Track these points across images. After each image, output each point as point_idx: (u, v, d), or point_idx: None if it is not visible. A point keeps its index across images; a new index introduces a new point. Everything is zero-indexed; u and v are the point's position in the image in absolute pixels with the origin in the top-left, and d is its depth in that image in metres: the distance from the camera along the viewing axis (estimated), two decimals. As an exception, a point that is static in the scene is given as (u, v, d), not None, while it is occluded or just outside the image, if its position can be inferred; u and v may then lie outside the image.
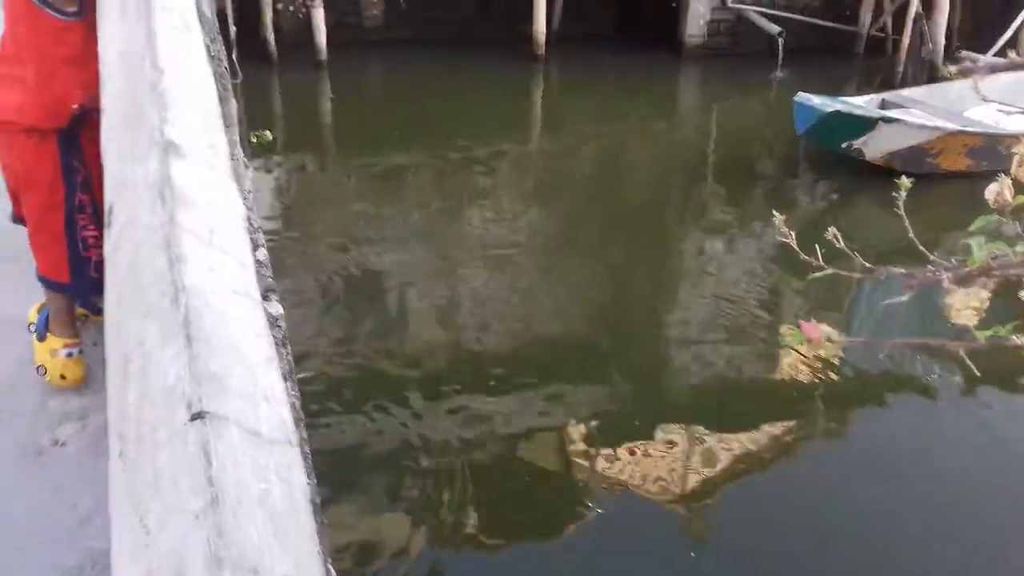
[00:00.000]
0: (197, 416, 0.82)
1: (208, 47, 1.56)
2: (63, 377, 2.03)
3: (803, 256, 1.30)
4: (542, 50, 10.74)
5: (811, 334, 1.18)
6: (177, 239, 1.01)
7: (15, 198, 1.98)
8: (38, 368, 2.03)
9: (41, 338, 2.03)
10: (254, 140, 8.00)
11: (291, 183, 8.06)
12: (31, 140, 1.85)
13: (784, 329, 5.03)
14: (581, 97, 10.46)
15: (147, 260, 1.01)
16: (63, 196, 1.87)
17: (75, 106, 1.82)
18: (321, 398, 4.70)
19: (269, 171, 7.89)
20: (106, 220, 1.20)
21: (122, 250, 1.09)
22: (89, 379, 2.09)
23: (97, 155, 1.79)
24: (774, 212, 1.36)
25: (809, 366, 5.28)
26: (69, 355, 2.03)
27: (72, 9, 1.78)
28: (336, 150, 9.29)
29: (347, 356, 5.51)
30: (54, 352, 2.02)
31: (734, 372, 5.64)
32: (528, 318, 6.28)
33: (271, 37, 10.06)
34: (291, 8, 10.52)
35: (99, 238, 1.89)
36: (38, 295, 2.28)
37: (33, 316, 2.07)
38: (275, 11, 10.15)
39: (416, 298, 6.40)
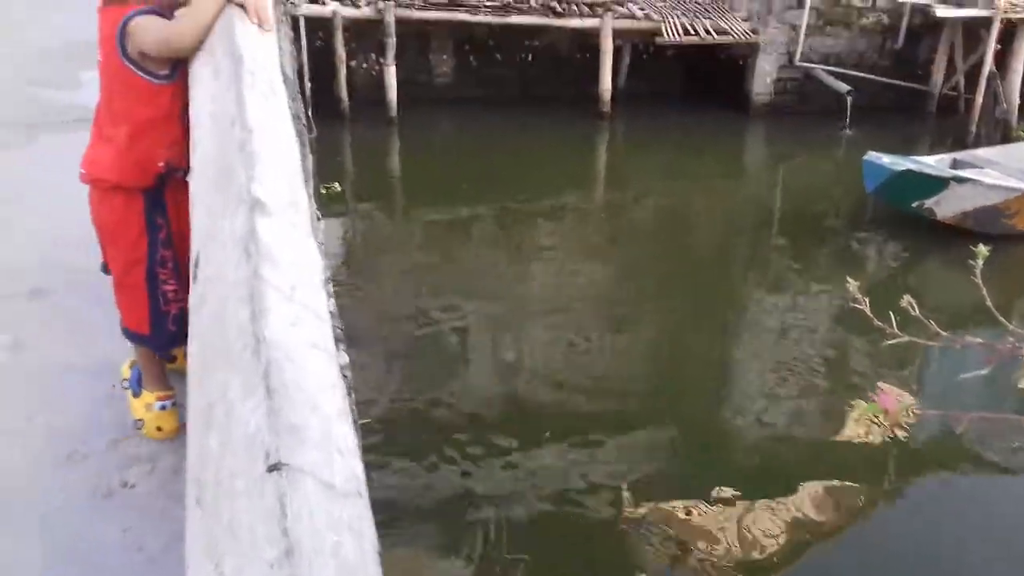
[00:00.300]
0: (275, 467, 0.85)
1: (291, 108, 1.63)
2: (159, 429, 2.10)
3: (877, 323, 1.29)
4: (608, 108, 10.86)
5: (888, 405, 1.16)
6: (260, 293, 1.05)
7: (103, 246, 2.07)
8: (136, 423, 2.10)
9: (136, 394, 2.11)
10: (324, 192, 8.22)
11: (358, 233, 8.24)
12: (119, 197, 1.95)
13: (858, 402, 4.86)
14: (646, 154, 10.52)
15: (231, 313, 1.05)
16: (146, 251, 1.96)
17: (161, 164, 1.92)
18: (379, 446, 4.75)
19: (338, 221, 8.07)
20: (192, 273, 1.25)
21: (207, 302, 1.14)
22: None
23: (180, 213, 1.89)
24: (848, 279, 1.35)
25: (875, 428, 5.13)
26: (163, 407, 2.10)
27: (164, 72, 1.88)
28: (403, 202, 9.48)
29: (405, 404, 5.56)
30: (149, 406, 2.10)
31: (796, 432, 5.52)
32: (588, 372, 6.26)
33: (344, 94, 10.38)
34: (364, 66, 10.86)
35: (178, 292, 1.98)
36: (117, 343, 2.37)
37: (126, 372, 2.15)
38: (349, 68, 10.48)
39: (477, 349, 6.44)
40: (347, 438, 0.95)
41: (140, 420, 2.10)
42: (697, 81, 11.61)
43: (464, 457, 5.08)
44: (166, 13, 1.87)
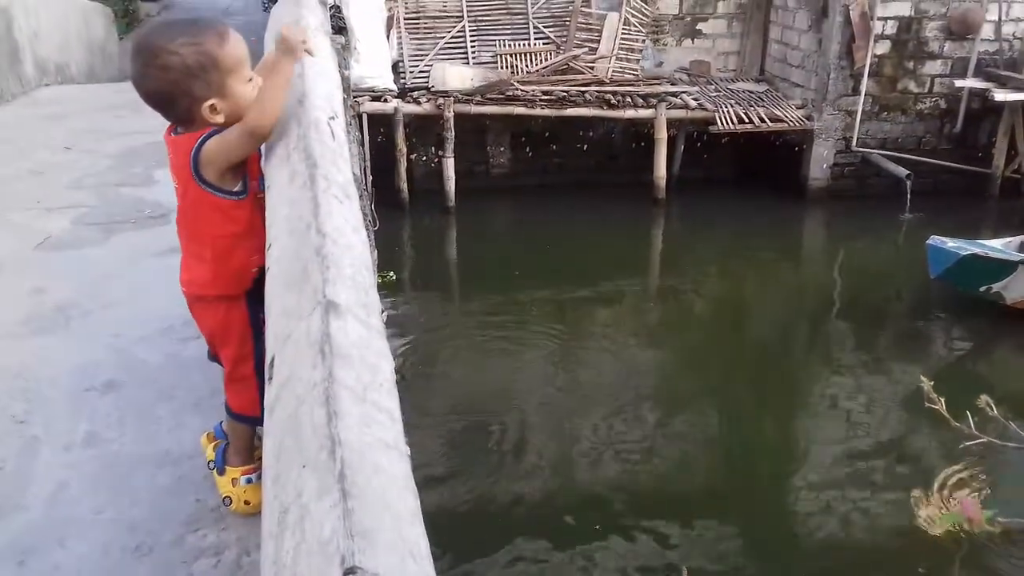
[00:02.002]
0: (350, 572, 0.86)
1: (362, 211, 1.70)
2: (247, 503, 2.11)
3: (953, 423, 1.26)
4: (663, 194, 10.95)
5: (972, 514, 1.12)
6: (335, 394, 1.08)
7: (211, 344, 2.17)
8: (224, 500, 2.13)
9: (221, 472, 2.15)
10: (380, 280, 8.36)
11: (413, 321, 8.32)
12: (222, 305, 2.03)
13: (935, 510, 4.56)
14: (702, 240, 10.53)
15: (307, 413, 1.08)
16: (252, 347, 2.03)
17: (255, 270, 1.98)
18: (433, 533, 4.70)
19: (395, 309, 8.18)
20: (267, 373, 1.29)
21: (282, 402, 1.17)
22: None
23: None
24: (922, 378, 1.33)
25: (948, 526, 4.90)
26: (249, 481, 2.13)
27: (236, 188, 1.96)
28: (459, 290, 9.60)
29: (460, 492, 5.53)
30: (235, 481, 2.13)
31: (860, 526, 5.33)
32: (646, 462, 6.17)
33: (404, 185, 10.66)
34: (423, 158, 11.17)
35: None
36: (183, 435, 2.43)
37: (210, 454, 2.19)
38: (409, 161, 10.79)
39: (532, 435, 6.40)
40: (420, 541, 0.96)
41: (227, 497, 2.13)
42: (752, 167, 11.66)
43: (517, 543, 5.02)
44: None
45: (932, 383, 1.22)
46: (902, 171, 10.40)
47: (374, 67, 10.36)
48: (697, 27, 12.20)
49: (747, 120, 10.54)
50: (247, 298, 2.02)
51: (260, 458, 2.21)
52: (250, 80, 1.91)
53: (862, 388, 7.05)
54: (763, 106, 10.89)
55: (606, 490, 5.77)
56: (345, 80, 2.56)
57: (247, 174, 1.98)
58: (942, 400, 1.15)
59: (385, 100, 10.43)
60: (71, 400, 2.60)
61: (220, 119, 1.88)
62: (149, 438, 2.43)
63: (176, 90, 1.85)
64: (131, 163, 5.16)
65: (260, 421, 2.07)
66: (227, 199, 1.94)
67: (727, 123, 10.50)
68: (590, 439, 6.35)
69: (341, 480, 0.95)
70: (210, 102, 1.85)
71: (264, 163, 1.99)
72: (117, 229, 4.03)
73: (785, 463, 6.19)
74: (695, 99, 10.92)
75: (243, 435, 2.16)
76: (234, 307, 2.02)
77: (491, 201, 11.30)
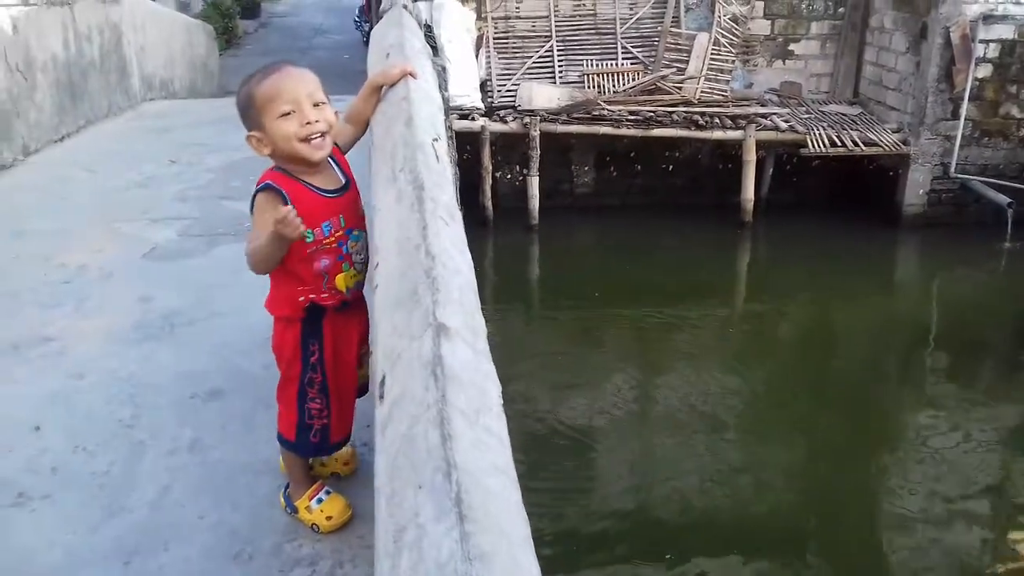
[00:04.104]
0: (468, 595, 0.87)
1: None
2: (329, 518, 2.18)
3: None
4: (750, 217, 10.77)
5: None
6: (449, 417, 1.10)
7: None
8: (312, 527, 2.20)
9: (295, 511, 2.23)
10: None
11: (493, 337, 8.35)
12: (281, 324, 2.13)
13: None
14: (789, 264, 10.31)
15: (421, 435, 1.10)
16: (299, 372, 2.11)
17: (301, 299, 2.06)
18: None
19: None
20: (378, 391, 1.32)
21: (395, 421, 1.20)
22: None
23: (336, 340, 2.09)
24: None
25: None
26: (320, 500, 2.20)
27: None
28: (540, 307, 9.61)
29: (530, 514, 5.50)
30: (308, 508, 2.20)
31: (954, 569, 5.11)
32: (722, 489, 6.04)
33: (489, 203, 10.76)
34: (508, 176, 11.25)
35: (323, 411, 2.14)
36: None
37: (283, 503, 2.28)
38: (494, 179, 10.89)
39: (605, 458, 6.35)
40: (533, 569, 0.97)
41: (314, 525, 2.20)
42: (844, 191, 11.38)
43: (584, 569, 4.98)
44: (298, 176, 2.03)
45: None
46: (1003, 199, 10.00)
47: (462, 86, 10.51)
48: (789, 48, 12.00)
49: (840, 143, 10.30)
50: (303, 326, 2.08)
51: (318, 475, 2.31)
52: (287, 114, 1.96)
53: (959, 425, 6.78)
54: (857, 129, 10.63)
55: (680, 518, 5.68)
56: (445, 101, 2.62)
57: None
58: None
59: (472, 118, 10.56)
60: (176, 407, 2.70)
61: (266, 151, 2.02)
62: (250, 447, 2.50)
63: (243, 124, 2.04)
64: (232, 177, 5.35)
65: (294, 447, 2.18)
66: None
67: (819, 146, 10.28)
68: (665, 465, 6.26)
69: (458, 504, 0.96)
70: (250, 134, 2.02)
71: (372, 183, 2.04)
72: (219, 241, 4.18)
73: (873, 502, 5.99)
74: (786, 121, 10.74)
75: (295, 465, 2.23)
76: (289, 329, 2.10)
77: (574, 220, 11.30)
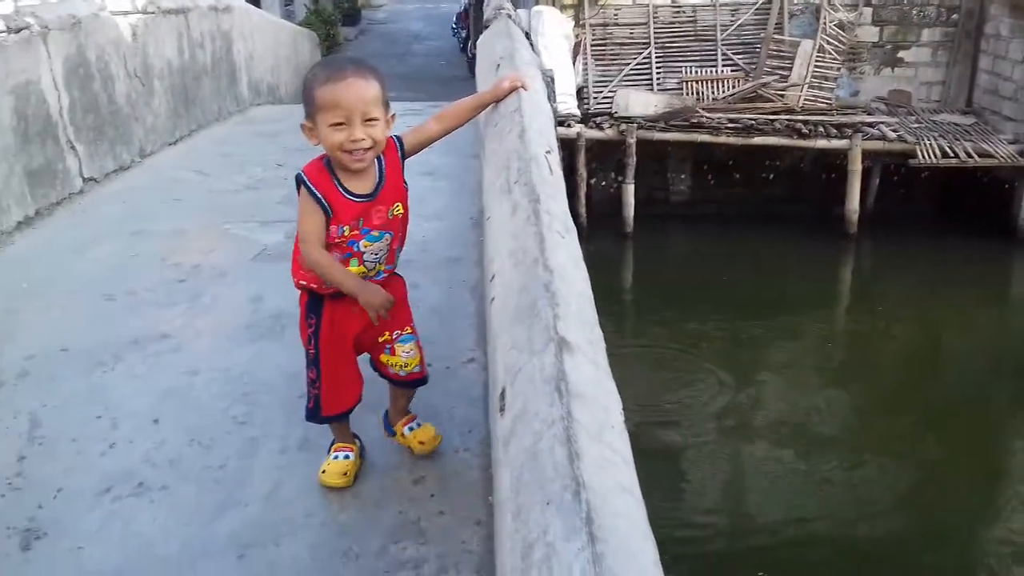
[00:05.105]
0: (601, 617, 0.87)
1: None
2: (344, 475, 2.38)
3: None
4: (854, 229, 10.45)
5: None
6: (575, 434, 1.09)
7: None
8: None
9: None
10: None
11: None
12: (299, 291, 2.31)
13: None
14: (895, 279, 9.95)
15: (546, 451, 1.10)
16: (304, 340, 2.32)
17: (303, 282, 2.25)
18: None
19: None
20: (498, 404, 1.33)
21: (518, 436, 1.20)
22: (423, 527, 2.24)
23: (333, 318, 2.24)
24: None
25: None
26: (336, 457, 2.41)
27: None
28: (633, 316, 9.53)
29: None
30: (328, 456, 2.43)
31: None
32: (820, 506, 5.88)
33: (583, 210, 10.73)
34: (603, 183, 11.21)
35: (315, 381, 2.32)
36: (393, 445, 2.55)
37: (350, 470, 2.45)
38: (588, 186, 10.87)
39: (698, 469, 6.25)
40: (663, 592, 0.96)
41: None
42: (954, 204, 10.92)
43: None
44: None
45: None
46: None
47: (559, 93, 10.53)
48: (898, 55, 11.62)
49: (952, 154, 9.90)
50: (309, 297, 2.27)
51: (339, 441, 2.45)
52: (338, 125, 2.08)
53: (1077, 451, 6.43)
54: (970, 140, 10.20)
55: (773, 534, 5.55)
56: (555, 113, 2.62)
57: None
58: None
59: (568, 125, 10.57)
60: (286, 405, 2.78)
61: (314, 142, 2.15)
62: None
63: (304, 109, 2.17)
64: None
65: (316, 419, 2.38)
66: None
67: (929, 156, 9.91)
68: (761, 479, 6.13)
69: (588, 524, 0.96)
70: (305, 123, 2.15)
71: (484, 193, 2.06)
72: (324, 245, 4.28)
73: (980, 529, 5.73)
74: (894, 130, 10.38)
75: (336, 429, 2.43)
76: (301, 298, 2.30)
77: (669, 228, 11.18)
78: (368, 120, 2.09)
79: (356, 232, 2.18)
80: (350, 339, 2.30)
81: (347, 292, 2.15)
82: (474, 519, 2.26)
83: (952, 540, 5.65)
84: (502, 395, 1.33)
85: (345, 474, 2.37)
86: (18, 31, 4.56)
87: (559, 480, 1.04)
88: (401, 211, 2.25)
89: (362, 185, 2.18)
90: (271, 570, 2.13)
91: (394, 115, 2.22)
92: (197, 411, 2.80)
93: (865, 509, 5.87)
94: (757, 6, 11.39)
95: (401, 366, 2.38)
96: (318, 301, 2.26)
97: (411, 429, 2.48)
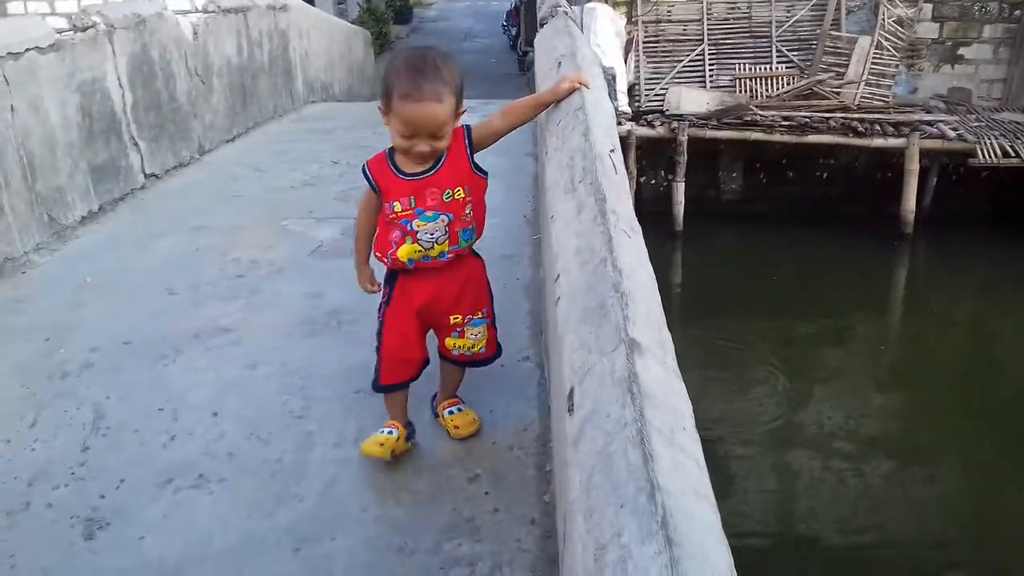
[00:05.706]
0: (680, 623, 0.86)
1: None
2: (381, 445, 2.40)
3: None
4: (910, 229, 10.23)
5: None
6: (648, 436, 1.08)
7: None
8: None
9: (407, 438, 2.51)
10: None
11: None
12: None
13: None
14: (952, 281, 9.72)
15: (619, 453, 1.09)
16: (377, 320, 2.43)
17: (377, 254, 2.38)
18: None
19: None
20: (567, 404, 1.32)
21: (587, 437, 1.19)
22: (474, 522, 2.24)
23: (400, 294, 2.37)
24: None
25: None
26: (380, 431, 2.44)
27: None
28: (681, 315, 9.44)
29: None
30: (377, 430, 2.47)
31: None
32: (871, 511, 5.77)
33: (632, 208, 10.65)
34: (653, 181, 11.13)
35: (378, 348, 2.41)
36: (448, 441, 2.56)
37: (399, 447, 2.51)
38: (638, 183, 10.79)
39: (748, 472, 6.17)
40: (740, 599, 0.94)
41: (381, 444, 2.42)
42: (1015, 205, 10.63)
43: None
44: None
45: None
46: None
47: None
48: (958, 52, 11.34)
49: (1013, 154, 9.64)
50: (387, 274, 2.40)
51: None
52: (408, 136, 2.15)
53: None
54: (1032, 139, 9.92)
55: (824, 540, 5.47)
56: (617, 111, 2.60)
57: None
58: None
59: (619, 123, 10.50)
60: (342, 400, 2.81)
61: (386, 121, 2.23)
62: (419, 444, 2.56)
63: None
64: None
65: (376, 387, 2.46)
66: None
67: (990, 156, 9.66)
68: (811, 483, 6.04)
69: (664, 527, 0.95)
70: (381, 108, 2.23)
71: (546, 192, 2.05)
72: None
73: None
74: (954, 129, 10.13)
75: (388, 399, 2.49)
76: (388, 270, 2.42)
77: (719, 227, 11.05)
78: (435, 135, 2.18)
79: (410, 212, 2.25)
80: (413, 312, 2.37)
81: (356, 249, 2.48)
82: (528, 517, 2.25)
83: (1009, 551, 5.51)
84: (570, 395, 1.32)
85: (382, 444, 2.40)
86: (84, 30, 4.67)
87: (633, 483, 1.03)
88: (462, 195, 2.29)
89: (416, 166, 2.26)
90: (327, 564, 2.15)
91: (464, 110, 2.27)
92: (255, 405, 2.84)
93: (918, 516, 5.76)
94: (814, 2, 11.21)
95: (467, 348, 2.45)
96: (393, 274, 2.38)
97: (451, 413, 2.55)
